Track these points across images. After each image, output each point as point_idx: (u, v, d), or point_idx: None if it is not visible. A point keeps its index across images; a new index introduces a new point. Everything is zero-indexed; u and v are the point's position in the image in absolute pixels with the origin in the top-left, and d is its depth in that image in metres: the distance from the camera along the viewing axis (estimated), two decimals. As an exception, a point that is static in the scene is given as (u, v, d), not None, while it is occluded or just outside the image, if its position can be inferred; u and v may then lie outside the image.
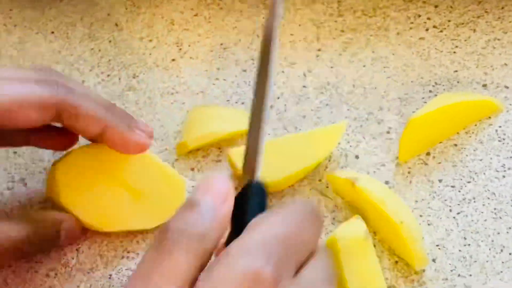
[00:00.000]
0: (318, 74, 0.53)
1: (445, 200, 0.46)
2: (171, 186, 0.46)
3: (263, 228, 0.31)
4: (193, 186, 0.48)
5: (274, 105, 0.52)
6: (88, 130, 0.42)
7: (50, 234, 0.43)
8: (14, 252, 0.41)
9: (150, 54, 0.56)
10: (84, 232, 0.45)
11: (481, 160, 0.47)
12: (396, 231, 0.42)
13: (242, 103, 0.52)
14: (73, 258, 0.45)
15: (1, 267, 0.45)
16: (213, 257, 0.31)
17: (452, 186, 0.46)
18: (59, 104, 0.39)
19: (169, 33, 0.58)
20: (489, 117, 0.49)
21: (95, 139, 0.43)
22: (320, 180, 0.48)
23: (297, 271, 0.31)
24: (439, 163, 0.47)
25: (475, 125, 0.49)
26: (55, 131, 0.45)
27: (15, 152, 0.51)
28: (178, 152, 0.49)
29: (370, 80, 0.52)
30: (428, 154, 0.48)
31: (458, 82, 0.51)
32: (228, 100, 0.52)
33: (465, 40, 0.54)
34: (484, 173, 0.47)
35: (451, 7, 0.56)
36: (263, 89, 0.39)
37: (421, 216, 0.45)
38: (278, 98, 0.52)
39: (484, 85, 0.51)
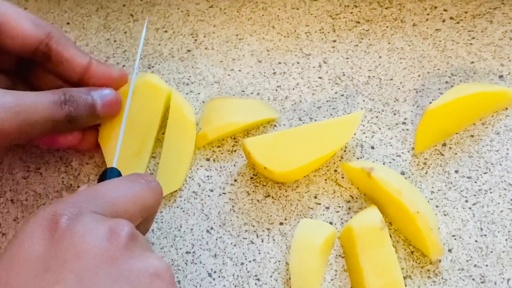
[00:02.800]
0: (333, 65, 0.53)
1: (461, 190, 0.46)
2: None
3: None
4: (207, 176, 0.48)
5: (290, 96, 0.52)
6: (75, 62, 0.45)
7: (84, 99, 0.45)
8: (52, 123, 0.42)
9: (165, 45, 0.56)
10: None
11: (497, 151, 0.47)
12: (412, 221, 0.42)
13: (258, 94, 0.52)
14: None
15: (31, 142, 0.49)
16: None
17: (469, 177, 0.46)
18: (50, 29, 0.44)
19: (184, 24, 0.58)
20: (506, 108, 0.49)
21: (77, 78, 0.46)
22: (335, 170, 0.47)
23: None
24: (456, 154, 0.47)
25: (492, 116, 0.49)
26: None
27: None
28: (197, 144, 0.49)
29: (386, 71, 0.52)
30: (444, 145, 0.48)
31: (474, 73, 0.51)
32: (243, 91, 0.52)
33: (482, 32, 0.53)
34: (501, 164, 0.46)
35: (468, -2, 0.55)
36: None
37: (437, 206, 0.45)
38: (294, 88, 0.52)
39: (501, 76, 0.51)
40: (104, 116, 0.46)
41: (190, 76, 0.54)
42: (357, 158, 0.48)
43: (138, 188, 0.37)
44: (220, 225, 0.46)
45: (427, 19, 0.55)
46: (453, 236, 0.44)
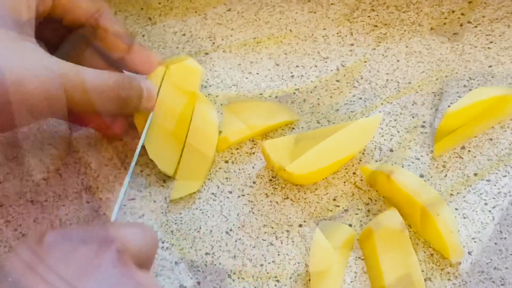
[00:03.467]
0: (351, 68, 0.53)
1: (481, 193, 0.46)
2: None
3: None
4: (226, 178, 0.48)
5: (308, 99, 0.52)
6: (119, 42, 0.46)
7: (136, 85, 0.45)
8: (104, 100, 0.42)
9: (183, 48, 0.57)
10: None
11: (516, 154, 0.47)
12: (432, 224, 0.42)
13: (276, 97, 0.52)
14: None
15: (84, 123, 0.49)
16: None
17: (488, 180, 0.46)
18: (102, 5, 0.45)
19: (202, 28, 0.58)
20: (525, 112, 0.49)
21: (118, 57, 0.47)
22: (354, 173, 0.48)
23: None
24: (475, 157, 0.47)
25: (511, 119, 0.49)
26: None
27: (50, 144, 0.51)
28: (218, 148, 0.50)
29: (404, 74, 0.52)
30: (463, 148, 0.48)
31: (492, 77, 0.51)
32: (261, 94, 0.53)
33: (500, 36, 0.53)
34: (520, 168, 0.46)
35: (485, 2, 0.55)
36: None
37: (456, 209, 0.45)
38: (312, 92, 0.52)
39: (519, 80, 0.51)
40: (143, 108, 0.46)
41: (208, 79, 0.54)
42: (376, 161, 0.48)
43: (132, 231, 0.36)
44: (239, 227, 0.46)
45: (444, 23, 0.55)
46: (473, 238, 0.44)
